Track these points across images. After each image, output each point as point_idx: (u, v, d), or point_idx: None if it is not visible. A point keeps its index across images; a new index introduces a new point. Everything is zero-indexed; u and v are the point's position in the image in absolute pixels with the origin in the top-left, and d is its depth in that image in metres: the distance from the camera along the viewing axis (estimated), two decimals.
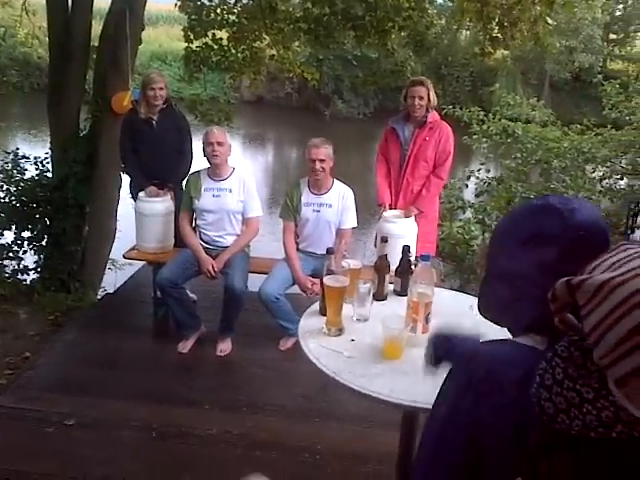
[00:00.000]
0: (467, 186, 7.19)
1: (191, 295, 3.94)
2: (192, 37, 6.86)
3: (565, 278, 0.77)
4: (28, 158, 5.87)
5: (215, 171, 3.63)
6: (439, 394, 1.01)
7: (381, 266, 2.25)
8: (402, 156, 3.88)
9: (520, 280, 0.98)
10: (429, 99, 3.75)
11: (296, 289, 3.65)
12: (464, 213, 6.72)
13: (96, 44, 5.43)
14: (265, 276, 3.59)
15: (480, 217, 6.26)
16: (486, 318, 1.10)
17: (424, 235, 3.74)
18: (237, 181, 3.63)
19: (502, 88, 16.54)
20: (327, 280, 2.01)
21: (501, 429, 0.88)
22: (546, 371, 0.79)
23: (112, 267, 5.80)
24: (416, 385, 1.74)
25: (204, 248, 3.65)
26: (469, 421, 0.91)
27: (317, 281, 3.48)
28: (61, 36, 5.25)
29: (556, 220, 0.95)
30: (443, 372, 1.05)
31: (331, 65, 17.97)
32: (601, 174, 7.29)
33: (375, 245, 3.82)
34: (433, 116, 3.82)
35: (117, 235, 5.52)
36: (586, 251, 0.88)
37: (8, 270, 5.56)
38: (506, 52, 7.27)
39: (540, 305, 0.92)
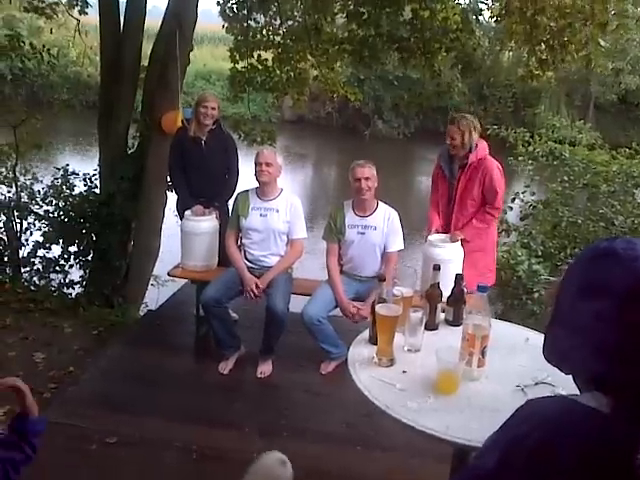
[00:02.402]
0: (511, 208, 7.02)
1: (232, 314, 3.93)
2: (238, 58, 6.96)
3: None
4: (77, 174, 6.03)
5: (263, 190, 3.64)
6: (487, 445, 0.93)
7: (433, 294, 2.19)
8: (450, 193, 3.79)
9: (578, 330, 0.90)
10: (463, 139, 3.58)
11: (338, 311, 3.61)
12: (508, 237, 6.55)
13: (146, 64, 5.57)
14: (308, 298, 3.56)
15: (525, 241, 6.09)
16: (550, 363, 1.02)
17: (485, 267, 3.67)
18: (284, 202, 3.63)
19: (546, 110, 16.32)
20: (380, 309, 1.96)
21: None
22: None
23: (154, 283, 5.87)
24: (472, 422, 1.67)
25: (248, 267, 3.64)
26: None
27: (360, 305, 3.43)
28: (112, 56, 5.40)
29: (617, 268, 0.87)
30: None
31: (372, 85, 18.01)
32: None
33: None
34: (476, 155, 3.64)
35: (160, 252, 5.58)
36: None
37: (54, 284, 5.69)
38: (550, 74, 7.13)
39: (599, 358, 0.86)
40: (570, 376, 0.98)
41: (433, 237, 3.70)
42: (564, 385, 1.63)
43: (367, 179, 3.41)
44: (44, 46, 6.26)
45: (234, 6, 6.81)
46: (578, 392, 0.95)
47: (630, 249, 0.88)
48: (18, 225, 5.93)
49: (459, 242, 3.63)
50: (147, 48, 5.63)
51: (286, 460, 0.90)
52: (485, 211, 3.71)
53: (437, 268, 2.27)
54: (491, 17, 6.42)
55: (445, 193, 3.83)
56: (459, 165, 3.72)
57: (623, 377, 0.83)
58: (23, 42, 6.06)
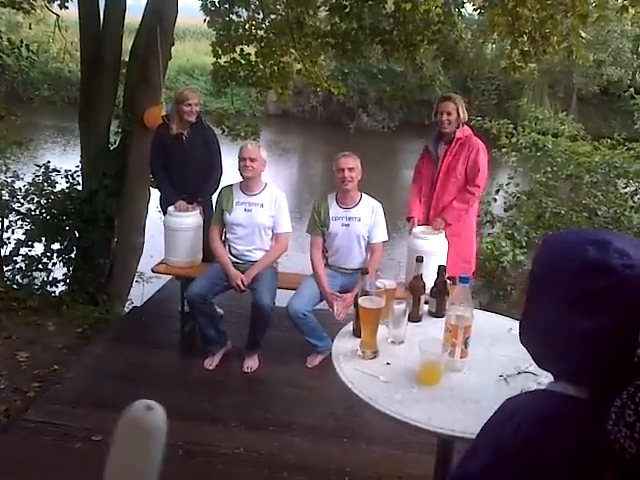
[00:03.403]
0: (495, 200, 7.07)
1: (218, 310, 3.91)
2: (220, 52, 6.92)
3: None
4: (59, 171, 5.96)
5: (247, 185, 3.63)
6: (475, 447, 0.92)
7: (416, 286, 2.19)
8: (434, 173, 3.83)
9: (560, 338, 0.88)
10: (458, 115, 3.69)
11: (323, 305, 3.61)
12: (493, 227, 6.60)
13: (127, 59, 5.51)
14: (293, 292, 3.56)
15: (510, 232, 6.14)
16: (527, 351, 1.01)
17: (458, 254, 3.67)
18: (269, 196, 3.62)
19: (529, 101, 16.40)
20: (362, 301, 1.96)
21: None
22: (627, 407, 0.72)
23: (139, 280, 5.83)
24: (455, 413, 1.69)
25: (233, 262, 3.63)
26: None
27: (346, 296, 3.43)
28: (93, 52, 5.34)
29: (615, 286, 0.82)
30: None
31: (356, 79, 17.98)
32: (633, 189, 7.11)
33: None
34: (463, 131, 3.75)
35: (145, 248, 5.55)
36: None
37: (37, 282, 5.63)
38: (533, 65, 7.16)
39: (582, 366, 0.86)
40: None
41: (417, 229, 3.73)
42: (546, 374, 1.64)
43: (351, 169, 3.42)
44: (22, 41, 6.17)
45: (215, 0, 6.76)
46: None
47: (630, 264, 0.83)
48: None
49: (443, 234, 3.65)
50: (128, 43, 5.58)
51: (153, 405, 0.86)
52: (466, 190, 3.75)
53: (420, 260, 2.27)
54: (474, 10, 6.44)
55: (429, 176, 3.86)
56: (446, 142, 3.77)
57: (604, 382, 0.83)
58: (0, 37, 5.97)
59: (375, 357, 1.96)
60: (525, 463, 0.82)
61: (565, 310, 0.86)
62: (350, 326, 2.17)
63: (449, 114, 3.68)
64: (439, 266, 2.27)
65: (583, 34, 5.22)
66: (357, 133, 17.89)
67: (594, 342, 0.83)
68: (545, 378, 1.79)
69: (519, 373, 1.87)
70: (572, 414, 0.83)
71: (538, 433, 0.82)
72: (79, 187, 5.66)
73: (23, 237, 5.71)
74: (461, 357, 1.87)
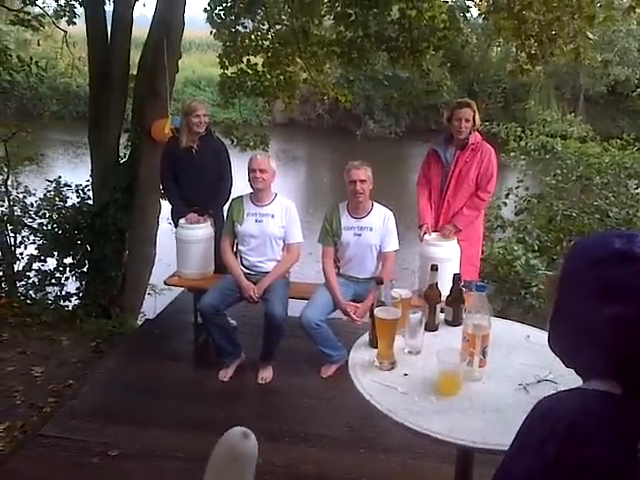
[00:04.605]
0: (506, 204, 7.03)
1: (231, 321, 3.91)
2: (227, 64, 6.95)
3: None
4: (70, 186, 6.01)
5: (258, 196, 3.63)
6: (512, 451, 0.92)
7: (432, 295, 2.18)
8: (444, 178, 3.81)
9: (589, 330, 0.89)
10: (474, 121, 3.68)
11: (337, 314, 3.60)
12: (504, 232, 6.56)
13: (134, 73, 5.55)
14: (306, 302, 3.55)
15: (521, 236, 6.10)
16: (555, 354, 1.01)
17: (467, 258, 3.65)
18: (279, 207, 3.62)
19: (536, 104, 16.37)
20: (379, 312, 1.94)
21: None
22: None
23: (151, 292, 5.84)
24: (475, 422, 1.67)
25: (245, 274, 3.63)
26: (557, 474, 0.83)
27: (360, 305, 3.43)
28: (101, 66, 5.39)
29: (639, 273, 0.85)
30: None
31: (362, 85, 18.03)
32: None
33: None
34: (475, 137, 3.74)
35: (157, 259, 5.56)
36: None
37: (51, 296, 5.66)
38: (539, 67, 7.15)
39: (611, 356, 0.86)
40: (571, 370, 0.98)
41: (429, 237, 3.71)
42: (566, 382, 1.62)
43: (362, 182, 3.40)
44: (32, 58, 6.24)
45: (221, 12, 6.80)
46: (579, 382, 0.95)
47: None
48: (12, 239, 5.91)
49: (455, 240, 3.63)
50: (135, 57, 5.62)
51: (248, 433, 0.89)
52: (476, 195, 3.74)
53: (435, 269, 2.26)
54: (479, 14, 6.45)
55: (438, 182, 3.83)
56: (458, 147, 3.75)
57: (633, 374, 0.83)
58: (10, 55, 6.04)
59: (393, 368, 1.94)
60: (566, 459, 0.82)
61: (592, 299, 0.88)
62: (366, 337, 2.15)
63: (467, 120, 3.66)
64: (454, 274, 2.26)
65: (590, 35, 5.20)
66: (364, 140, 17.92)
67: (621, 329, 0.84)
68: (565, 387, 1.77)
69: (539, 382, 1.84)
70: (606, 410, 0.83)
71: (572, 433, 0.82)
72: (90, 201, 5.70)
73: (36, 252, 5.76)
74: (480, 366, 1.85)
